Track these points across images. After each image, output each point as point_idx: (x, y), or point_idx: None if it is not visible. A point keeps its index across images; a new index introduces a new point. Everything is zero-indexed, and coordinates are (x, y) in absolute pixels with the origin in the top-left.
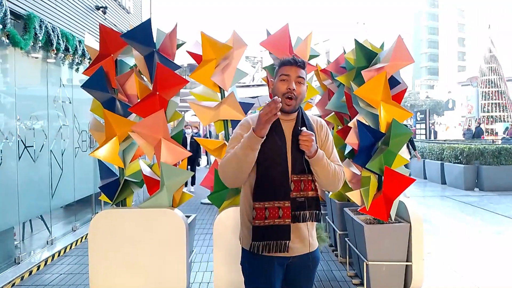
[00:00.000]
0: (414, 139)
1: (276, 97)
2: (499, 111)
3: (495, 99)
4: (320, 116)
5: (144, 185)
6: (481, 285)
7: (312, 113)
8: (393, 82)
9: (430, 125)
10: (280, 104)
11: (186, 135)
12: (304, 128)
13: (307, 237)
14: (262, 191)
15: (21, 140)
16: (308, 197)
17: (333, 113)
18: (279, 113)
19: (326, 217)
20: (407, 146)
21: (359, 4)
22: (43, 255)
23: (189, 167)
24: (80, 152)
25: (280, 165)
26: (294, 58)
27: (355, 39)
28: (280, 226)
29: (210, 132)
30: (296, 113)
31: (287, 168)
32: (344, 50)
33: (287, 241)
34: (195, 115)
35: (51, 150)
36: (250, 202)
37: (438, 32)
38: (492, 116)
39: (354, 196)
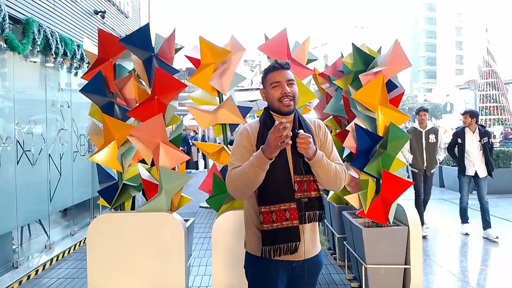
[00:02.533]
0: None
1: (283, 120)
2: (498, 114)
3: (493, 102)
4: None
5: (143, 189)
6: None
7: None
8: (390, 85)
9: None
10: (288, 125)
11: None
12: (301, 131)
13: (311, 240)
14: (267, 195)
15: (20, 144)
16: (311, 197)
17: (331, 116)
18: (290, 141)
19: (325, 220)
20: (490, 152)
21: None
22: (41, 260)
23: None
24: (78, 156)
25: (282, 168)
26: (278, 62)
27: (352, 43)
28: (289, 228)
29: (208, 136)
30: (292, 115)
31: (288, 170)
32: (342, 54)
33: (297, 243)
34: (193, 119)
35: (49, 154)
36: (254, 207)
37: (436, 35)
38: (490, 119)
39: (352, 199)
